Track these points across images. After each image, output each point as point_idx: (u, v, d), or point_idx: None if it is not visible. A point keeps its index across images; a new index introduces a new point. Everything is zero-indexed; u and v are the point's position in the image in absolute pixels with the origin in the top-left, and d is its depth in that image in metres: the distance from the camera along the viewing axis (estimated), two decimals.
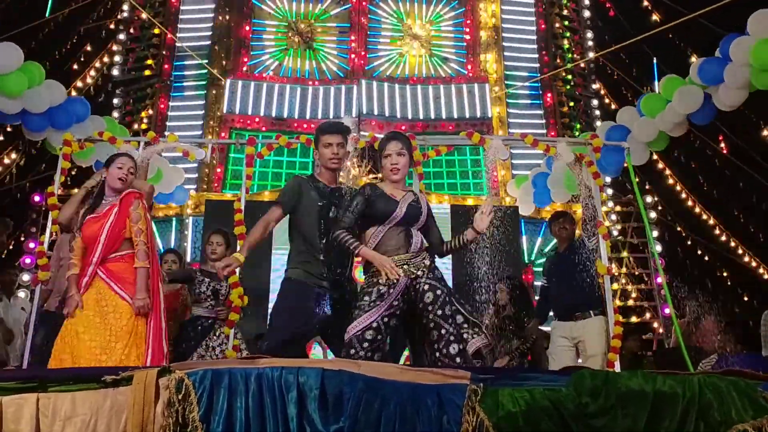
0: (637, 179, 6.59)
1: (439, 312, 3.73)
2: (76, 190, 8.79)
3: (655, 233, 10.62)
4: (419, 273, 3.81)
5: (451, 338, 3.69)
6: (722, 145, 12.02)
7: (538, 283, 8.10)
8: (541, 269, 7.37)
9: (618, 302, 9.87)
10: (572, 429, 2.74)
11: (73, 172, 8.27)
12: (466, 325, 3.80)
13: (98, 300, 4.23)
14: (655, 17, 12.35)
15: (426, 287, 3.78)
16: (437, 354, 3.68)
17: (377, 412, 2.72)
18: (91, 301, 4.23)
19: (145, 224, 4.43)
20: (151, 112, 11.03)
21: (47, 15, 10.91)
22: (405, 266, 3.80)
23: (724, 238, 12.43)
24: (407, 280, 3.78)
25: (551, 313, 6.14)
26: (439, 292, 3.78)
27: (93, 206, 4.51)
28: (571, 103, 11.75)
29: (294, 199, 4.24)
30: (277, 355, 3.25)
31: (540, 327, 6.48)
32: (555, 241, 6.72)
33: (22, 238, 9.98)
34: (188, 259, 9.51)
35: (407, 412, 2.73)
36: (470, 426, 2.71)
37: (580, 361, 5.62)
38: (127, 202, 4.44)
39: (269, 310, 5.99)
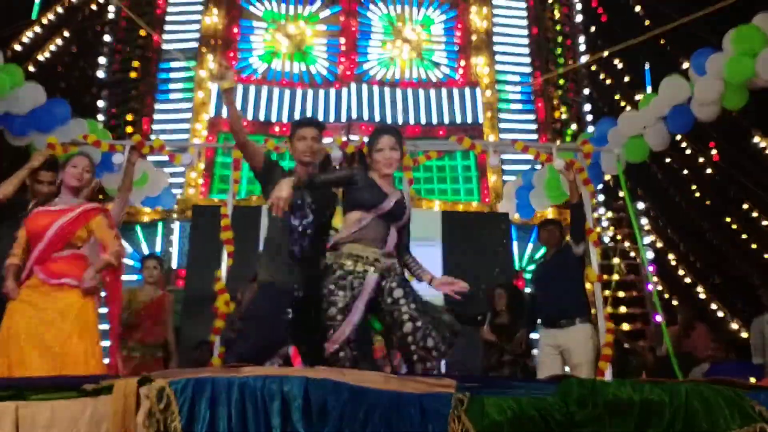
0: (628, 185, 6.60)
1: (413, 305, 3.68)
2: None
3: (647, 239, 10.61)
4: (387, 273, 3.77)
5: (427, 331, 3.63)
6: (714, 152, 12.05)
7: (527, 290, 8.06)
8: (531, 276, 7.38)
9: (609, 309, 9.84)
10: None
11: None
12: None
13: (37, 299, 4.05)
14: (647, 23, 12.35)
15: (395, 284, 3.74)
16: (413, 347, 3.60)
17: (362, 422, 2.69)
18: (32, 297, 4.06)
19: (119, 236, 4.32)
20: (136, 114, 10.91)
21: (33, 17, 10.77)
22: (376, 262, 3.77)
23: (716, 244, 12.44)
24: (377, 277, 3.75)
25: (539, 321, 6.11)
26: (408, 289, 3.76)
27: (44, 201, 4.38)
28: (563, 108, 11.71)
29: (271, 165, 4.17)
30: (249, 363, 3.19)
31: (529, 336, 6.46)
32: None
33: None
34: (174, 265, 9.42)
35: (392, 422, 2.70)
36: None
37: (567, 369, 5.60)
38: (92, 214, 4.29)
39: None
